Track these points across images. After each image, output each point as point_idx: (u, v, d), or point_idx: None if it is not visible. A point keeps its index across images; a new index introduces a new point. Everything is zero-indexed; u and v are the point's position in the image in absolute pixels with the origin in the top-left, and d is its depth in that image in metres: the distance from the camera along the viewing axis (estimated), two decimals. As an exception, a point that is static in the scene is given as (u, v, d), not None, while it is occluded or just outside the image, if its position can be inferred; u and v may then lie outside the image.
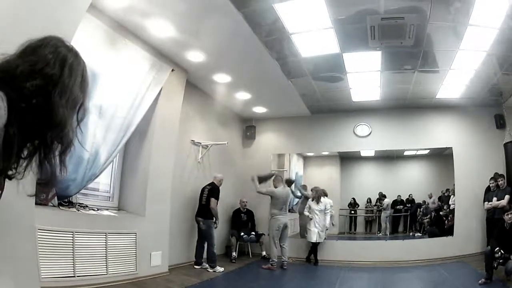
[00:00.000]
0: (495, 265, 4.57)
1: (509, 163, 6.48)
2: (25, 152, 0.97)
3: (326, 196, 7.06)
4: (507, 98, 6.62)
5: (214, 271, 5.50)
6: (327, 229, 6.99)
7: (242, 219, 7.31)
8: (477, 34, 4.48)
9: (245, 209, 7.42)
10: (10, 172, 0.97)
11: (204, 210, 5.80)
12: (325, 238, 6.93)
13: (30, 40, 1.00)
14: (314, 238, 6.69)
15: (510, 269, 4.40)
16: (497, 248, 4.58)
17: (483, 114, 7.06)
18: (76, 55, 1.06)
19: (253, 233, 7.17)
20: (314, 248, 6.81)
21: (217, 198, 5.84)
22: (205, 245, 5.79)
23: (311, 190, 7.00)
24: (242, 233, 6.99)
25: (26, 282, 2.82)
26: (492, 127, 6.99)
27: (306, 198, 7.46)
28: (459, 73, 5.76)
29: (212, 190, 5.88)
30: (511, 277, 4.49)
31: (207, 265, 5.64)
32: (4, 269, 2.57)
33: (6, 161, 0.91)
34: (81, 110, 1.07)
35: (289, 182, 6.71)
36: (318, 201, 6.82)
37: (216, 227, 5.88)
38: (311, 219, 6.74)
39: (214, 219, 5.83)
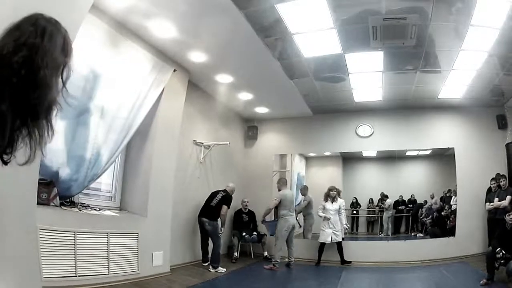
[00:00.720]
0: (497, 266, 4.58)
1: (511, 164, 6.47)
2: (16, 126, 1.00)
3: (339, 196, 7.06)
4: (508, 98, 6.62)
5: (216, 272, 5.50)
6: (346, 229, 7.06)
7: (243, 220, 7.32)
8: (479, 34, 4.48)
9: (247, 210, 7.43)
10: (5, 157, 0.99)
11: (211, 212, 5.84)
12: (343, 238, 6.84)
13: (12, 22, 1.06)
14: (329, 239, 6.57)
15: (511, 269, 4.39)
16: (499, 249, 4.57)
17: (485, 114, 7.07)
18: (55, 24, 1.12)
19: (255, 233, 7.17)
20: (321, 248, 6.73)
21: (229, 206, 5.95)
22: (209, 243, 5.85)
23: (329, 189, 6.81)
24: (244, 234, 7.00)
25: (28, 282, 2.83)
26: (494, 127, 7.00)
27: (309, 202, 7.48)
28: (461, 73, 5.76)
29: (226, 198, 5.97)
30: (512, 277, 4.49)
31: (210, 265, 5.64)
32: (5, 268, 2.58)
33: (1, 138, 0.93)
34: (65, 71, 1.13)
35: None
36: (333, 200, 6.75)
37: (221, 234, 5.92)
38: (329, 218, 6.60)
39: (220, 224, 5.88)
